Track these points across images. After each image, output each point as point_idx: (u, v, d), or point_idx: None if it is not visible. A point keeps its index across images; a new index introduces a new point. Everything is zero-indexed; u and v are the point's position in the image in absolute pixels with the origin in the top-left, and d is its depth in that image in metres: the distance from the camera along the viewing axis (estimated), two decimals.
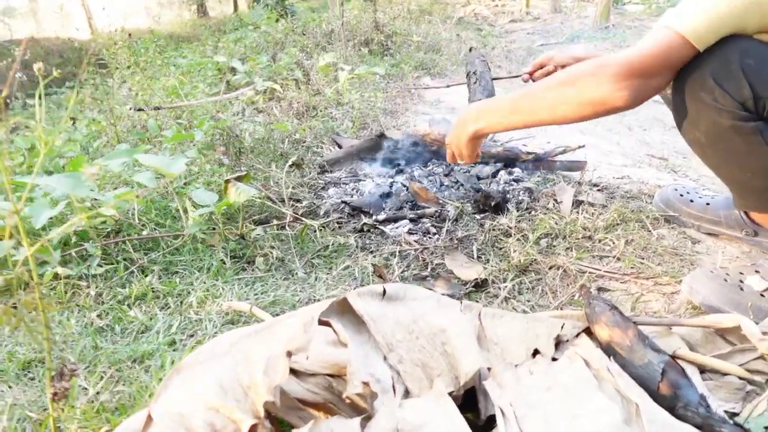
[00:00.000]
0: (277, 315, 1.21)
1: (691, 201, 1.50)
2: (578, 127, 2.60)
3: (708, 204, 1.48)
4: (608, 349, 0.94)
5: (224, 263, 1.39)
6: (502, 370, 0.81)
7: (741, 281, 1.16)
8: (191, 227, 1.44)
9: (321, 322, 0.85)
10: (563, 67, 1.60)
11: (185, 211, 1.52)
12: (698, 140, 1.02)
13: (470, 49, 2.02)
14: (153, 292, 1.30)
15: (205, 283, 1.32)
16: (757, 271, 1.17)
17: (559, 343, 0.94)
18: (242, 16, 7.19)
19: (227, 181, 1.39)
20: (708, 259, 1.38)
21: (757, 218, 1.38)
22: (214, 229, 1.51)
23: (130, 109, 2.71)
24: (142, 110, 2.74)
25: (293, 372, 0.85)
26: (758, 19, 0.93)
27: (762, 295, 1.12)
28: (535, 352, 0.91)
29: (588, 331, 1.02)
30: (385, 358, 0.85)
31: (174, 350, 1.09)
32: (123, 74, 3.00)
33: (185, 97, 3.05)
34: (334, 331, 0.84)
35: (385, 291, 0.96)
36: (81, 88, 3.32)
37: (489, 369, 0.85)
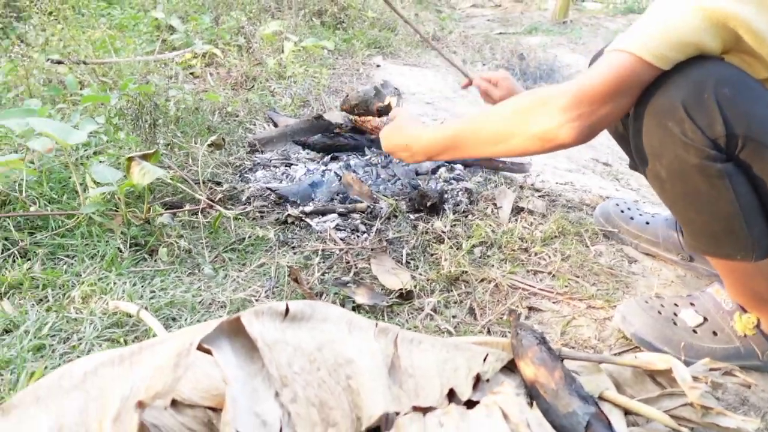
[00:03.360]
0: (173, 319, 1.07)
1: (631, 219, 1.45)
2: None
3: (648, 223, 1.42)
4: (532, 390, 0.86)
5: (121, 251, 1.22)
6: (409, 422, 0.70)
7: (675, 314, 1.10)
8: (87, 207, 1.26)
9: (202, 349, 0.72)
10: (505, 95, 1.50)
11: (84, 188, 1.34)
12: (657, 173, 0.91)
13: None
14: (32, 280, 1.12)
15: (95, 273, 1.16)
16: (692, 304, 1.11)
17: (478, 382, 0.85)
18: None
19: (130, 159, 1.22)
20: (644, 282, 1.32)
21: None
22: (116, 209, 1.33)
23: (47, 60, 2.44)
24: (62, 63, 2.47)
25: (172, 403, 0.72)
26: (716, 34, 0.83)
27: (695, 332, 1.07)
28: (452, 392, 0.81)
29: (513, 363, 0.94)
30: (277, 394, 0.73)
31: (41, 357, 0.93)
32: (43, 21, 2.70)
33: (115, 54, 2.78)
34: (216, 361, 0.71)
35: (288, 310, 0.83)
36: None
37: (396, 413, 0.74)
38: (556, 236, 1.43)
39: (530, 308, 1.21)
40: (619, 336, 1.14)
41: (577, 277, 1.31)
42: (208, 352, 0.72)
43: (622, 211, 1.47)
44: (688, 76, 0.84)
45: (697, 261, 1.35)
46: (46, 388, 0.62)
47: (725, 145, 0.83)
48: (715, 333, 1.06)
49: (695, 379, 0.90)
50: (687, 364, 0.97)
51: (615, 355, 1.09)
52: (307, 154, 1.81)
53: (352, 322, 0.88)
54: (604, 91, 0.87)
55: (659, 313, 1.10)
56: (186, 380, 0.72)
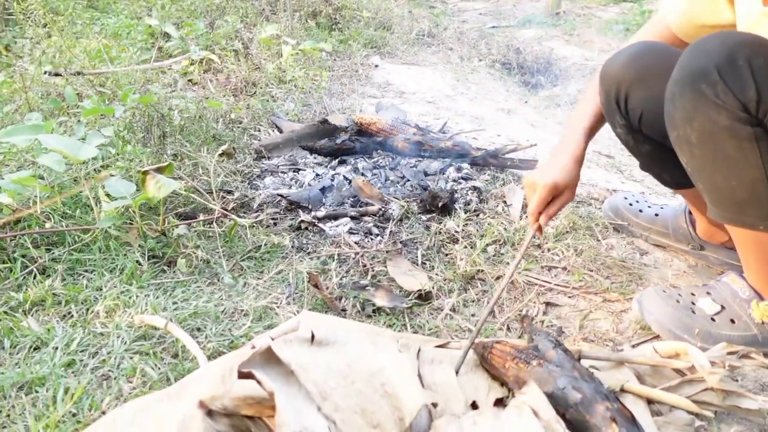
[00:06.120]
0: (198, 329, 1.08)
1: (640, 211, 1.46)
2: (529, 120, 2.54)
3: (657, 215, 1.44)
4: None
5: (140, 264, 1.23)
6: (446, 424, 0.72)
7: (693, 303, 1.12)
8: (103, 221, 1.27)
9: (242, 375, 0.73)
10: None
11: (97, 201, 1.34)
12: (688, 138, 0.93)
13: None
14: (54, 297, 1.13)
15: (116, 287, 1.17)
16: (708, 293, 1.13)
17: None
18: None
19: (145, 173, 1.23)
20: (656, 273, 1.34)
21: (704, 234, 1.35)
22: (130, 222, 1.34)
23: (45, 72, 2.44)
24: (59, 75, 2.47)
25: (209, 413, 0.73)
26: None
27: (713, 320, 1.09)
28: (474, 404, 0.83)
29: None
30: (319, 409, 0.74)
31: (72, 373, 0.94)
32: (37, 33, 2.69)
33: (111, 63, 2.78)
34: (258, 381, 0.72)
35: (313, 336, 0.85)
36: None
37: (434, 405, 0.76)
38: (567, 231, 1.45)
39: (547, 303, 1.23)
40: (636, 327, 1.16)
41: (591, 271, 1.33)
42: (248, 375, 0.73)
43: (631, 204, 1.48)
44: (724, 43, 0.87)
45: (708, 250, 1.37)
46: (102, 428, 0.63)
47: (755, 110, 0.85)
48: (732, 321, 1.08)
49: (713, 364, 0.92)
50: (705, 351, 0.98)
51: (634, 346, 1.10)
52: (315, 158, 1.82)
53: (375, 342, 0.90)
54: None
55: (677, 302, 1.12)
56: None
